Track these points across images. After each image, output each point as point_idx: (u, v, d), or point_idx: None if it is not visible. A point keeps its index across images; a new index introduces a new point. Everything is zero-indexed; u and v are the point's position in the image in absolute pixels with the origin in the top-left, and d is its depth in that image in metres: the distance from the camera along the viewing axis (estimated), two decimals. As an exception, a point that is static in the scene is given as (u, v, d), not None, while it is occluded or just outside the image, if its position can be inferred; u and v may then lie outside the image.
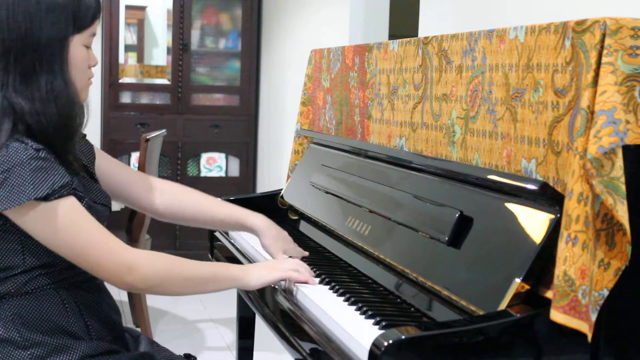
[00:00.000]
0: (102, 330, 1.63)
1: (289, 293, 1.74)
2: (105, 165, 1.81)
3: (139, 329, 2.37)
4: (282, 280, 1.73)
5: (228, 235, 2.31)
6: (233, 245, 2.23)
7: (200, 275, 1.62)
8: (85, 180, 1.63)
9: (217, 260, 2.34)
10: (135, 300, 3.59)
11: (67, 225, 1.49)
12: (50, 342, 1.54)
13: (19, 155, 1.46)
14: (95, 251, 1.51)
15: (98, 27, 1.62)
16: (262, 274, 1.68)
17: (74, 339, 1.57)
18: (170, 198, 1.92)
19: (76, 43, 1.55)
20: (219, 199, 2.05)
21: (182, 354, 1.83)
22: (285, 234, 1.93)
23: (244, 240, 2.20)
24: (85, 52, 1.58)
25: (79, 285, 1.61)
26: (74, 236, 1.50)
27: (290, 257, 1.88)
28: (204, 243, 2.54)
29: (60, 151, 1.54)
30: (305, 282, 1.71)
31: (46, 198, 1.47)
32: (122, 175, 1.85)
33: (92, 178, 1.69)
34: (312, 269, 1.83)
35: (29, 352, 1.53)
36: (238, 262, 2.08)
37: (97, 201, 1.62)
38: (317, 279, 1.76)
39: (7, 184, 1.45)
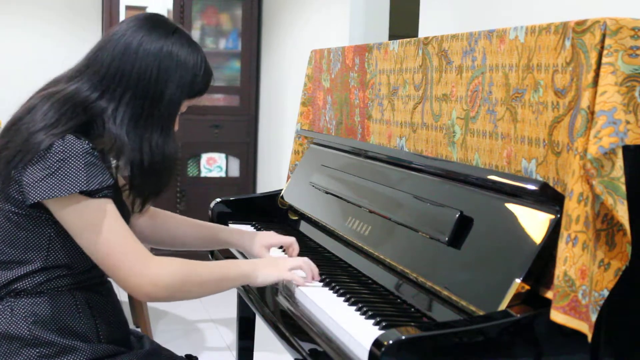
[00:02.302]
0: (111, 332, 1.65)
1: (288, 292, 1.75)
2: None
3: (139, 330, 2.37)
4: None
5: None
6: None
7: (214, 277, 1.63)
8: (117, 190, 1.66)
9: (217, 259, 2.34)
10: (136, 300, 3.59)
11: (101, 225, 1.51)
12: (59, 342, 1.56)
13: (75, 147, 1.50)
14: (121, 256, 1.52)
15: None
16: (269, 273, 1.69)
17: (82, 341, 1.59)
18: (159, 223, 1.95)
19: (181, 108, 1.64)
20: (203, 223, 2.04)
21: (183, 355, 1.83)
22: (262, 233, 1.96)
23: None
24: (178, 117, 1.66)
25: (92, 288, 1.64)
26: (106, 237, 1.51)
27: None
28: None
29: (137, 188, 1.62)
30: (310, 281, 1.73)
31: (92, 194, 1.50)
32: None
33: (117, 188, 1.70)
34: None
35: (37, 351, 1.55)
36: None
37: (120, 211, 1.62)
38: (318, 279, 1.76)
39: (60, 173, 1.49)
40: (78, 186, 1.48)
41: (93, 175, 1.50)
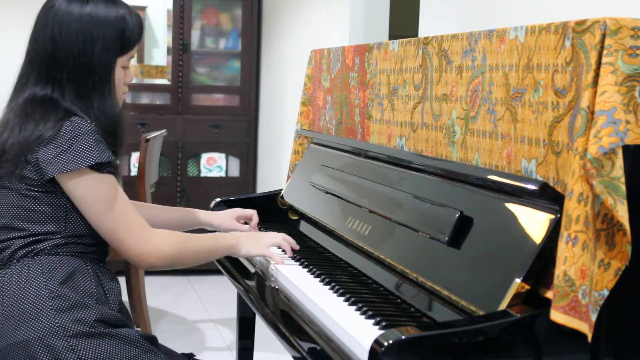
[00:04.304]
0: (119, 305, 1.74)
1: (288, 292, 1.75)
2: None
3: (139, 329, 2.37)
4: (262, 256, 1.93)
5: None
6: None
7: (205, 249, 1.81)
8: None
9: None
10: (136, 300, 3.59)
11: (107, 199, 1.64)
12: (73, 297, 1.63)
13: (84, 126, 1.62)
14: (125, 228, 1.66)
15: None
16: (252, 247, 1.88)
17: (95, 300, 1.66)
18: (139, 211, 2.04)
19: (118, 65, 1.71)
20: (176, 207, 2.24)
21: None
22: (230, 211, 2.18)
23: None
24: (123, 72, 1.74)
25: (100, 262, 1.74)
26: (112, 210, 1.65)
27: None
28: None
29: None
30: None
31: (101, 168, 1.63)
32: None
33: None
34: (312, 268, 1.84)
35: (51, 303, 1.61)
36: (243, 266, 2.12)
37: None
38: (297, 248, 1.95)
39: (74, 148, 1.61)
40: (93, 158, 1.61)
41: (103, 150, 1.63)
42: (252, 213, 2.21)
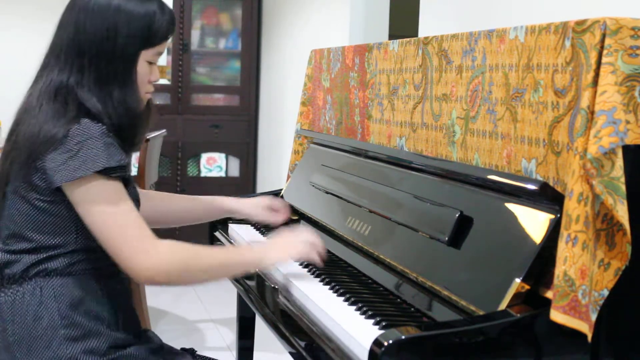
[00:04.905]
0: (128, 320, 1.70)
1: (288, 292, 1.75)
2: None
3: (149, 331, 2.36)
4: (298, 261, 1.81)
5: (227, 235, 2.31)
6: (232, 244, 2.24)
7: (220, 264, 1.65)
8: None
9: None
10: (136, 300, 3.59)
11: (107, 206, 1.55)
12: (86, 325, 1.59)
13: (93, 129, 1.55)
14: (123, 238, 1.55)
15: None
16: (279, 256, 1.73)
17: (106, 326, 1.61)
18: (157, 202, 2.01)
19: (142, 58, 1.64)
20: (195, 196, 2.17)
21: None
22: (259, 200, 2.10)
23: (241, 238, 2.21)
24: (148, 67, 1.67)
25: (114, 275, 1.67)
26: (110, 218, 1.55)
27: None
28: (204, 243, 2.53)
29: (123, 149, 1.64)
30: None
31: (109, 173, 1.55)
32: None
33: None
34: (312, 268, 1.83)
35: (63, 332, 1.57)
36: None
37: (131, 195, 1.65)
38: (319, 275, 1.76)
39: (82, 154, 1.53)
40: (100, 164, 1.53)
41: (113, 154, 1.55)
42: (282, 205, 2.11)
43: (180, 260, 1.58)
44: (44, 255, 1.61)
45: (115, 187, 1.57)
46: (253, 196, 2.23)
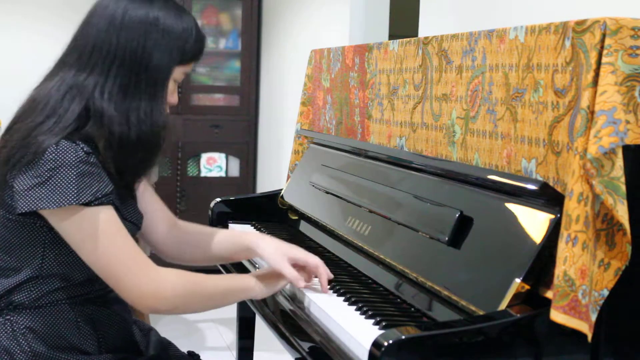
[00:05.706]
0: (115, 340, 1.62)
1: (288, 292, 1.74)
2: (142, 189, 1.75)
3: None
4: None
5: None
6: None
7: (217, 292, 1.60)
8: (123, 195, 1.59)
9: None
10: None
11: (100, 234, 1.46)
12: (58, 357, 1.52)
13: (68, 155, 1.44)
14: (122, 267, 1.48)
15: None
16: (267, 291, 1.66)
17: (84, 355, 1.55)
18: (182, 233, 1.84)
19: (173, 75, 1.58)
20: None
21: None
22: (285, 244, 1.77)
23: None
24: (174, 86, 1.61)
25: (94, 300, 1.59)
26: (105, 246, 1.47)
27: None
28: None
29: (127, 166, 1.54)
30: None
31: (87, 204, 1.45)
32: (152, 205, 1.79)
33: (131, 194, 1.65)
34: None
35: None
36: (244, 267, 2.09)
37: (127, 218, 1.58)
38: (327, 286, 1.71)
39: (51, 183, 1.43)
40: (68, 199, 1.43)
41: (85, 185, 1.44)
42: (317, 264, 1.70)
43: (183, 286, 1.53)
44: (11, 284, 1.53)
45: (98, 215, 1.46)
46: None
